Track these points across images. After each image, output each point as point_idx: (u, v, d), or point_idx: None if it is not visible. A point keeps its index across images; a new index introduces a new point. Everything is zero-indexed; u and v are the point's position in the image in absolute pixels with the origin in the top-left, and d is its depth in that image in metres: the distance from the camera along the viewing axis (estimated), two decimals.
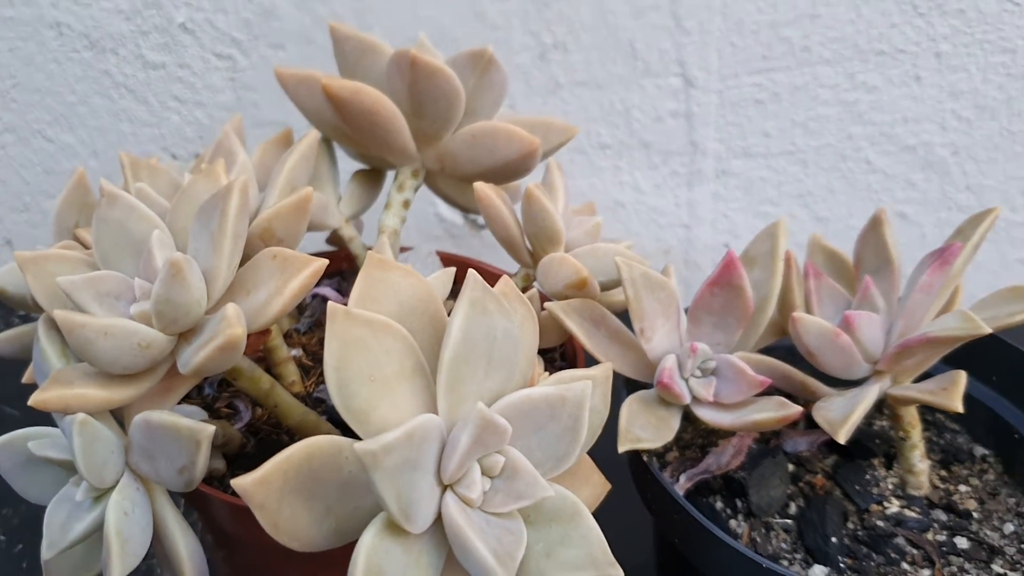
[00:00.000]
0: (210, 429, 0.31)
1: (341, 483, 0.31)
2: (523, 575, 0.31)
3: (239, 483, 0.29)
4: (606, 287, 0.43)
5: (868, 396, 0.38)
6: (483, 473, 0.31)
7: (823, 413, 0.38)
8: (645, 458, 0.39)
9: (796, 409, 0.38)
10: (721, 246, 0.70)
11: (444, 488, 0.31)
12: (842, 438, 0.36)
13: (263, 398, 0.37)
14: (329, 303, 0.30)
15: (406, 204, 0.48)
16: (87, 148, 0.69)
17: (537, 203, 0.41)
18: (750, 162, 0.67)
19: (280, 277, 0.33)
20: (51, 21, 0.64)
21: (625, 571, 0.51)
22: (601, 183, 0.68)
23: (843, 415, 0.37)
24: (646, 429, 0.39)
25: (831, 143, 0.66)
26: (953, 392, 0.36)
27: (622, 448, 0.37)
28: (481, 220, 0.71)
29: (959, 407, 0.36)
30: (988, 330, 0.35)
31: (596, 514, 0.52)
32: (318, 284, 0.50)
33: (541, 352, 0.47)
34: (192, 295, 0.31)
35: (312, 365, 0.45)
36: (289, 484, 0.30)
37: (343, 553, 0.34)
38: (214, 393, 0.43)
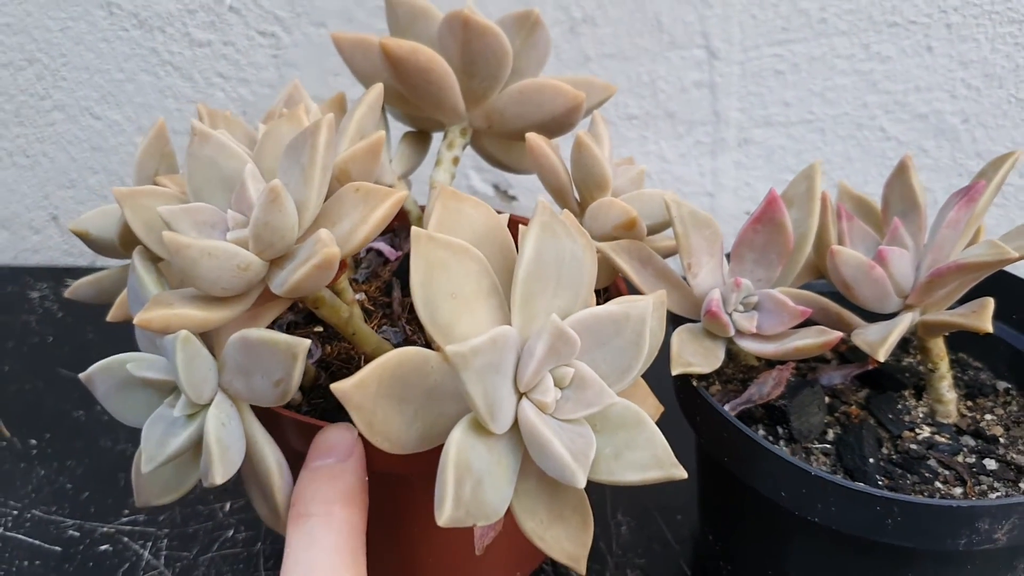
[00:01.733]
0: (306, 342, 0.34)
1: (427, 390, 0.33)
2: (595, 475, 0.34)
3: (339, 387, 0.31)
4: (651, 231, 0.46)
5: (903, 321, 0.41)
6: (554, 384, 0.34)
7: (862, 337, 0.40)
8: (695, 383, 0.42)
9: (836, 334, 0.40)
10: (743, 214, 0.73)
11: (520, 396, 0.33)
12: (882, 356, 0.38)
13: (343, 326, 0.39)
14: (413, 228, 0.33)
15: (455, 161, 0.50)
16: (133, 125, 0.72)
17: (587, 150, 0.44)
18: (770, 131, 0.70)
19: (364, 207, 0.36)
20: (102, 1, 0.66)
21: (670, 497, 0.54)
22: (628, 153, 0.71)
23: (881, 337, 0.39)
24: (696, 356, 0.41)
25: (847, 112, 0.69)
26: (983, 314, 0.39)
27: (675, 371, 0.40)
28: (512, 191, 0.74)
29: (989, 327, 0.39)
30: (1016, 255, 0.38)
31: None
32: (372, 239, 0.53)
33: None
34: (288, 220, 0.34)
35: (373, 309, 0.47)
36: (383, 389, 0.32)
37: (400, 478, 0.37)
38: None
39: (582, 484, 0.32)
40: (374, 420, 0.33)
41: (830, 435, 0.44)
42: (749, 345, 0.43)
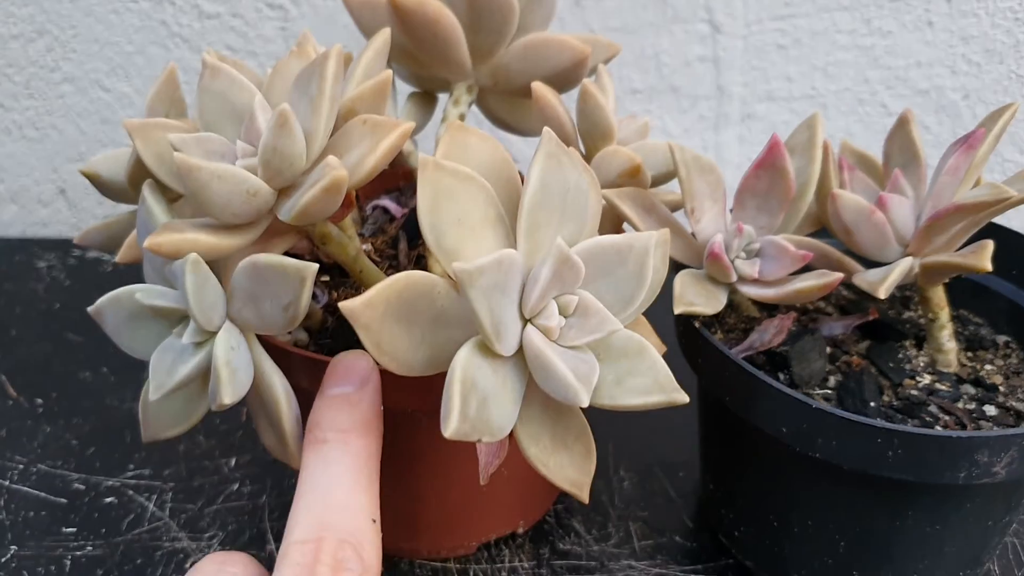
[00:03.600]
0: (314, 266, 0.34)
1: (434, 314, 0.34)
2: (597, 400, 0.34)
3: (347, 305, 0.32)
4: (656, 181, 0.46)
5: (903, 263, 0.41)
6: (559, 312, 0.34)
7: (863, 277, 0.41)
8: (697, 324, 0.42)
9: (836, 276, 0.41)
10: None
11: (525, 323, 0.34)
12: (883, 293, 0.39)
13: (350, 263, 0.40)
14: (420, 156, 0.33)
15: (462, 118, 0.51)
16: (142, 97, 0.73)
17: (592, 98, 0.44)
18: (773, 106, 0.70)
19: (372, 138, 0.36)
20: None
21: (673, 453, 0.54)
22: None
23: (882, 276, 0.40)
24: (698, 297, 0.42)
25: (849, 87, 0.69)
26: (982, 254, 0.40)
27: (677, 310, 0.40)
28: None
29: (988, 266, 0.39)
30: (1013, 193, 0.39)
31: (640, 433, 0.55)
32: (378, 197, 0.54)
33: None
34: (296, 146, 0.34)
35: (379, 260, 0.48)
36: (391, 309, 0.33)
37: (408, 416, 0.37)
38: None
39: (585, 403, 0.32)
40: (381, 340, 0.33)
41: (831, 382, 0.44)
42: (750, 290, 0.43)
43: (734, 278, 0.43)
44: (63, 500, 0.51)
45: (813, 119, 0.45)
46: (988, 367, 0.46)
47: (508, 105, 0.54)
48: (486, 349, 0.33)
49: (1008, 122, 0.44)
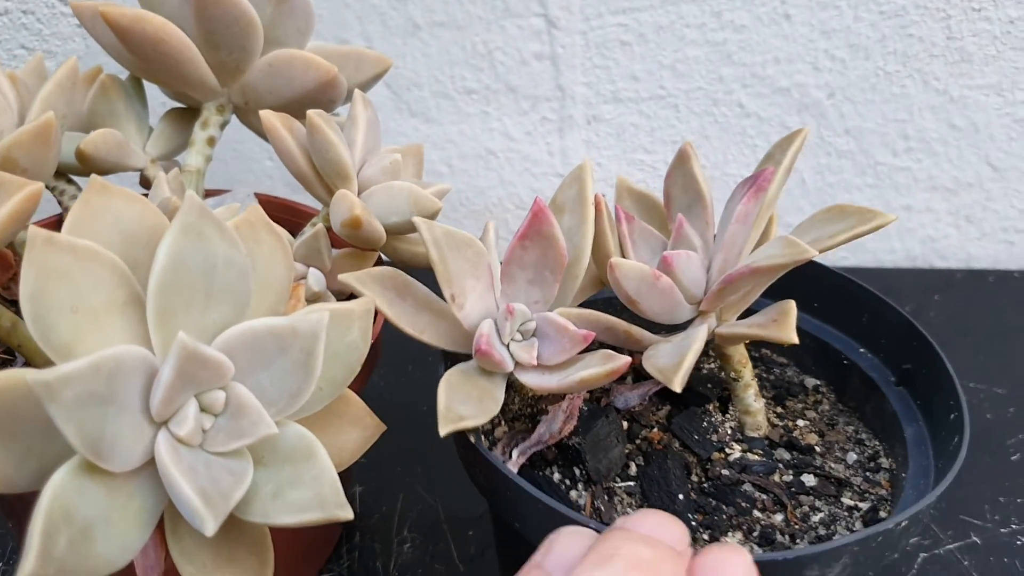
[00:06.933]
0: None
1: (46, 421, 0.28)
2: (247, 515, 0.29)
3: None
4: (397, 230, 0.40)
5: (697, 339, 0.35)
6: (203, 410, 0.29)
7: (653, 362, 0.35)
8: (472, 438, 0.35)
9: (624, 360, 0.34)
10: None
11: (159, 426, 0.28)
12: (677, 386, 0.33)
13: (5, 336, 0.34)
14: (29, 229, 0.27)
15: (210, 142, 0.45)
16: None
17: (319, 133, 0.38)
18: (620, 107, 0.64)
19: None
20: None
21: (467, 507, 0.48)
22: (470, 130, 0.65)
23: (675, 361, 0.34)
24: (468, 404, 0.34)
25: (702, 86, 0.63)
26: (785, 323, 0.34)
27: (444, 431, 0.33)
28: None
29: (794, 338, 0.33)
30: (814, 253, 0.33)
31: (435, 480, 0.49)
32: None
33: None
34: None
35: None
36: None
37: None
38: None
39: (210, 532, 0.27)
40: None
41: (633, 468, 0.38)
42: (531, 379, 0.36)
43: (511, 368, 0.36)
44: None
45: (580, 170, 0.38)
46: (801, 423, 0.41)
47: None
48: (96, 467, 0.28)
49: (799, 149, 0.39)
